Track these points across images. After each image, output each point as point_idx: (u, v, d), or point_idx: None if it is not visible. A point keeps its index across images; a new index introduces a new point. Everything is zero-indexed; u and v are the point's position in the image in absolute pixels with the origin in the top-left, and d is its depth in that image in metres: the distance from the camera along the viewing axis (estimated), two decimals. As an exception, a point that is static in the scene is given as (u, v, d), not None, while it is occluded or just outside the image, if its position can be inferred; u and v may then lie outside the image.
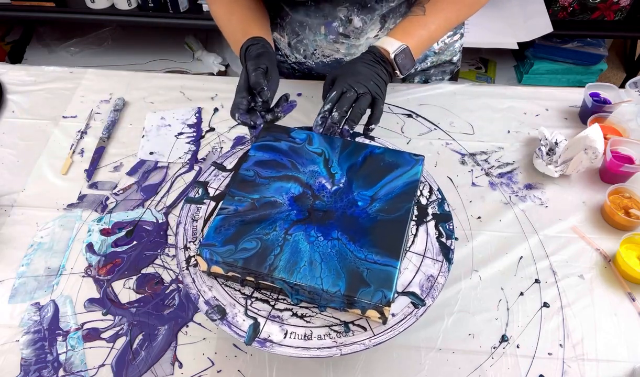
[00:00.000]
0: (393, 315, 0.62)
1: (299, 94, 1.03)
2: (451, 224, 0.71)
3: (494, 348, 0.70)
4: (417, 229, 0.70)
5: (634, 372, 0.68)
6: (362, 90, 0.75)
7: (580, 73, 2.03)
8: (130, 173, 0.92)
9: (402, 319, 0.62)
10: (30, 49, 2.25)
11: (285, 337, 0.61)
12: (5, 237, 0.83)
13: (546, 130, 0.90)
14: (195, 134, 0.98)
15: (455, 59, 1.07)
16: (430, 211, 0.72)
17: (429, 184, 0.75)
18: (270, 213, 0.66)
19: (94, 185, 0.90)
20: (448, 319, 0.73)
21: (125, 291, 0.76)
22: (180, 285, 0.77)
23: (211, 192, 0.75)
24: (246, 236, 0.64)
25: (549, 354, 0.70)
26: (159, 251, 0.81)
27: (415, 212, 0.72)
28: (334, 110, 0.75)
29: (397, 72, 0.81)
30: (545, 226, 0.83)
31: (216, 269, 0.64)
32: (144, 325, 0.73)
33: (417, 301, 0.63)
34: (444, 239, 0.69)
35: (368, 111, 0.77)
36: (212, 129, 0.99)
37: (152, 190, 0.90)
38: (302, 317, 0.63)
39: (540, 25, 1.81)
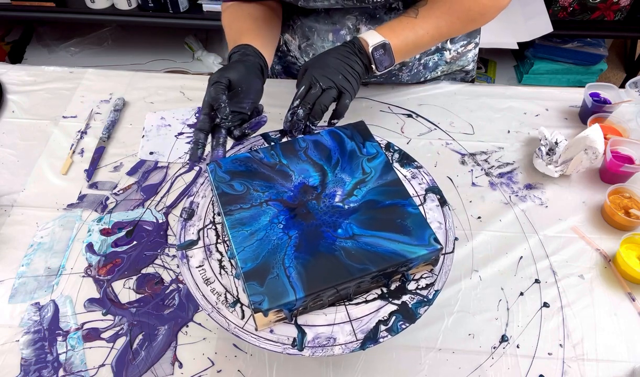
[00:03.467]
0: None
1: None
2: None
3: (494, 348, 0.70)
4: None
5: (634, 372, 0.68)
6: (327, 85, 0.74)
7: (580, 73, 2.03)
8: (130, 173, 0.92)
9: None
10: (30, 49, 2.25)
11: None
12: (5, 237, 0.83)
13: (546, 130, 0.90)
14: (195, 134, 0.98)
15: (468, 68, 1.06)
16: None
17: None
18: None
19: (94, 186, 0.90)
20: (448, 319, 0.73)
21: (125, 291, 0.76)
22: (180, 285, 0.77)
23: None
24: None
25: (549, 354, 0.70)
26: (159, 251, 0.81)
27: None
28: (299, 107, 0.74)
29: (373, 67, 0.79)
30: (545, 226, 0.83)
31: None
32: (144, 325, 0.73)
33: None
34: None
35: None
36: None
37: (152, 190, 0.89)
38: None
39: (540, 25, 1.81)
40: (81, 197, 0.89)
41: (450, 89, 1.05)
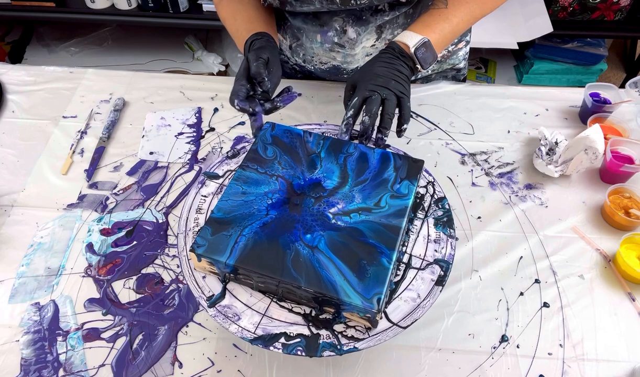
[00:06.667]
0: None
1: (299, 94, 1.03)
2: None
3: (494, 348, 0.70)
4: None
5: (634, 372, 0.68)
6: (385, 94, 0.74)
7: (580, 73, 2.03)
8: (130, 173, 0.92)
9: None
10: (30, 49, 2.25)
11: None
12: (5, 237, 0.83)
13: (546, 130, 0.91)
14: (195, 134, 0.98)
15: (459, 66, 1.06)
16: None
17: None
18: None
19: (94, 186, 0.90)
20: (448, 319, 0.73)
21: (125, 291, 0.76)
22: (180, 285, 0.77)
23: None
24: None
25: (549, 354, 0.70)
26: (159, 251, 0.81)
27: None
28: (363, 115, 0.73)
29: (419, 66, 0.79)
30: (545, 226, 0.83)
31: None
32: (144, 325, 0.73)
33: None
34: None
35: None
36: (212, 129, 0.99)
37: (152, 190, 0.89)
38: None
39: (540, 25, 1.81)
40: (81, 197, 0.89)
41: (450, 89, 1.05)
